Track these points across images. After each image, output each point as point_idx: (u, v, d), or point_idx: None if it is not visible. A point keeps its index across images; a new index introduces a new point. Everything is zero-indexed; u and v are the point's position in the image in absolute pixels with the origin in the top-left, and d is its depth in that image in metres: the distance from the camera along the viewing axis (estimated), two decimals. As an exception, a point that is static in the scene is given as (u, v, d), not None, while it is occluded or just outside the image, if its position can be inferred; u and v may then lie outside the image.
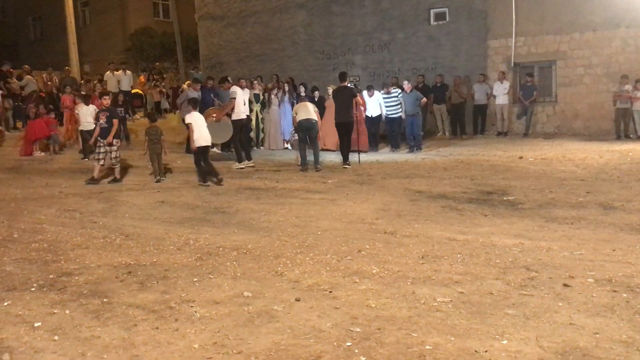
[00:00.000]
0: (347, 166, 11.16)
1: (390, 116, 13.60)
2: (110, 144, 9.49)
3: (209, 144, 9.74)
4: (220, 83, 11.80)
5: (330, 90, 13.42)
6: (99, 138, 9.59)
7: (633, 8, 13.95)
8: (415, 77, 15.43)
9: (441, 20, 16.32)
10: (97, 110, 10.58)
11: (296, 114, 11.07)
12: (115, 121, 9.55)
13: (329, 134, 13.14)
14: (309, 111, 10.95)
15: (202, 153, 9.44)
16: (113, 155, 9.63)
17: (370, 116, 13.71)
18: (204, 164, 9.47)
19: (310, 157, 10.99)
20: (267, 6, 18.50)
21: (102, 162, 9.60)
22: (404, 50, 16.77)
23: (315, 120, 10.94)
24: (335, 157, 12.32)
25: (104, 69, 19.18)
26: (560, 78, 15.15)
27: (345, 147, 11.50)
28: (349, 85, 12.17)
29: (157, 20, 29.51)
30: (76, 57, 20.99)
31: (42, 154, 12.67)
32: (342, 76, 11.65)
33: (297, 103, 14.25)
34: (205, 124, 9.64)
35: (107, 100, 9.96)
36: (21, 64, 17.31)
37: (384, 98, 13.59)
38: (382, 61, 17.05)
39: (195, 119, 9.45)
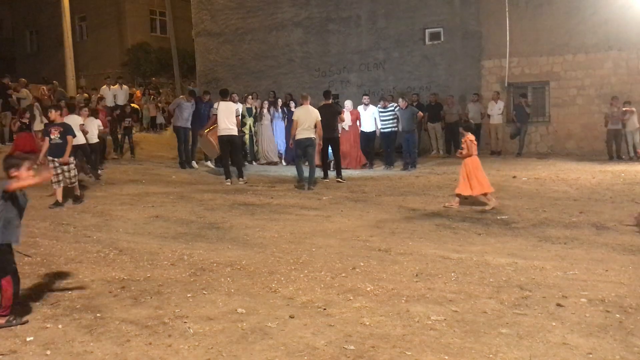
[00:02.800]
0: (327, 180, 11.39)
1: (385, 131, 13.66)
2: (66, 163, 8.61)
3: (84, 142, 10.82)
4: (221, 95, 11.72)
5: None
6: (49, 157, 8.67)
7: (625, 31, 14.17)
8: (410, 95, 15.55)
9: (436, 40, 16.52)
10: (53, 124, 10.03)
11: (298, 121, 10.66)
12: (70, 138, 8.63)
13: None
14: (310, 125, 10.62)
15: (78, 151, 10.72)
16: (71, 174, 8.74)
17: (364, 132, 13.77)
18: (79, 161, 10.68)
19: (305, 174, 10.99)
20: (264, 24, 18.67)
21: (61, 184, 8.68)
22: (398, 69, 16.93)
23: (314, 138, 10.76)
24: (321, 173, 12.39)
25: (100, 83, 19.21)
26: (554, 99, 15.32)
27: (336, 163, 11.74)
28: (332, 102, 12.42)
29: (154, 36, 29.66)
30: (72, 71, 21.01)
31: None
32: (327, 94, 12.01)
33: (287, 119, 14.29)
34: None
35: (54, 114, 8.85)
36: (18, 78, 17.30)
37: (380, 112, 13.67)
38: (377, 79, 17.19)
39: (72, 120, 10.23)
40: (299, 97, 15.99)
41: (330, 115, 11.53)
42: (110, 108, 15.35)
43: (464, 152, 8.63)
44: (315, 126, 10.72)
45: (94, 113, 12.95)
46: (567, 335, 3.86)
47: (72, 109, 12.36)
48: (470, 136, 8.69)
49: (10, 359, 3.62)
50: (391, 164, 13.78)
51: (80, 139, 10.34)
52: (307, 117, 10.65)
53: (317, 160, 13.26)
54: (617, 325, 4.02)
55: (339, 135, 11.90)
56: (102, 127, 12.67)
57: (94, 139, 12.47)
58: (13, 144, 12.98)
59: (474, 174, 8.47)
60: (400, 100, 13.71)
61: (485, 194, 8.51)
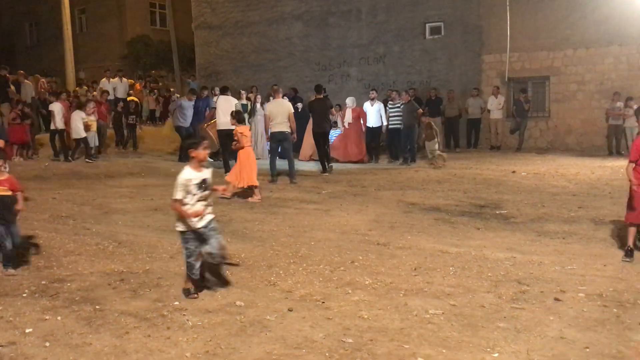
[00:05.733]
0: (326, 174, 11.42)
1: (393, 126, 13.52)
2: None
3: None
4: (221, 92, 11.79)
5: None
6: None
7: (626, 26, 14.14)
8: (408, 90, 15.47)
9: (436, 34, 16.47)
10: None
11: (270, 115, 10.54)
12: (1, 142, 7.08)
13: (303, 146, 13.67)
14: (283, 118, 10.37)
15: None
16: None
17: (370, 127, 13.71)
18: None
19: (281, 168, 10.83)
20: (264, 17, 18.60)
21: None
22: (399, 63, 16.88)
23: (288, 132, 10.48)
24: (313, 167, 12.44)
25: (99, 76, 19.18)
26: (554, 94, 15.30)
27: (323, 155, 11.74)
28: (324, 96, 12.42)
29: (154, 29, 29.56)
30: (72, 64, 20.96)
31: (21, 159, 12.70)
32: (318, 88, 12.04)
33: None
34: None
35: None
36: (17, 70, 17.26)
37: (390, 108, 13.55)
38: (377, 74, 17.15)
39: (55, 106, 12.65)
40: (300, 91, 16.12)
41: (321, 109, 11.61)
42: (111, 101, 15.35)
43: (237, 144, 8.80)
44: (289, 119, 10.44)
45: (79, 106, 12.96)
46: (565, 329, 3.88)
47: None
48: (239, 128, 8.80)
49: (9, 350, 3.63)
50: (396, 158, 13.69)
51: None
52: (279, 111, 10.44)
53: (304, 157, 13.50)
54: (614, 320, 4.04)
55: (329, 130, 12.11)
56: (85, 119, 12.61)
57: (80, 133, 12.41)
58: (6, 135, 12.98)
59: (243, 166, 8.67)
60: (403, 93, 13.67)
61: (251, 187, 8.73)
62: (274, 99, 10.93)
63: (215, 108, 11.58)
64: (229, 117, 11.13)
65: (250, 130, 14.62)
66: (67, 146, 12.86)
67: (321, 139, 11.79)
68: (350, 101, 13.88)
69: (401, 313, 4.19)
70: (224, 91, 11.69)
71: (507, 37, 15.26)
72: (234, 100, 11.74)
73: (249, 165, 8.68)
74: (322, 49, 17.84)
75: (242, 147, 8.72)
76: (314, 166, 12.44)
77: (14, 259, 5.28)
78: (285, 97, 14.54)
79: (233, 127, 11.30)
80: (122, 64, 25.73)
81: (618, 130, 13.82)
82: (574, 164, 12.26)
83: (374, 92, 13.95)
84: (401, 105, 13.34)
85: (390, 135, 13.79)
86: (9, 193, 5.24)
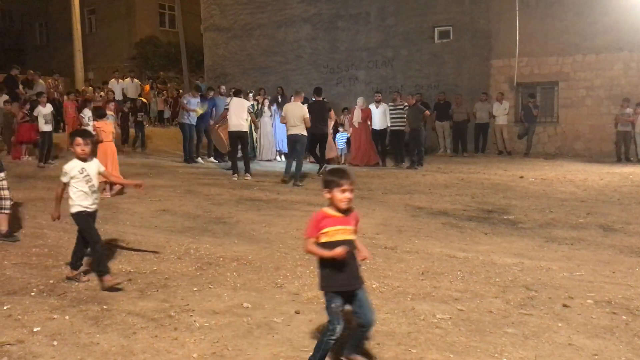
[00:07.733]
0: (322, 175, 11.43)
1: (394, 129, 13.56)
2: None
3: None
4: (234, 94, 11.89)
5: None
6: None
7: (636, 32, 14.09)
8: (414, 94, 15.45)
9: (445, 38, 16.47)
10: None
11: (285, 116, 10.84)
12: None
13: None
14: (296, 121, 10.65)
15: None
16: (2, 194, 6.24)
17: (375, 129, 13.72)
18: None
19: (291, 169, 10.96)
20: (273, 19, 18.66)
21: None
22: (407, 67, 16.88)
23: (301, 134, 10.72)
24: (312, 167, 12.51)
25: (108, 77, 19.28)
26: (562, 99, 15.26)
27: (321, 157, 11.89)
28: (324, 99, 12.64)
29: (163, 30, 29.70)
30: (81, 64, 21.10)
31: (30, 158, 12.75)
32: (317, 91, 12.18)
33: None
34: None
35: None
36: (27, 69, 17.37)
37: (391, 110, 13.60)
38: (385, 77, 17.16)
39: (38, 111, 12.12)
40: (308, 94, 16.12)
41: (319, 111, 11.73)
42: (120, 102, 15.43)
43: (97, 138, 8.80)
44: (304, 122, 10.68)
45: (85, 104, 12.98)
46: (573, 336, 3.85)
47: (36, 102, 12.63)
48: (98, 123, 8.97)
49: (17, 348, 3.64)
50: (401, 161, 13.70)
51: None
52: (292, 114, 10.73)
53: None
54: (623, 327, 4.01)
55: (327, 132, 12.20)
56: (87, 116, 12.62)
57: (42, 127, 12.42)
58: (16, 133, 13.06)
59: (102, 162, 8.69)
60: (409, 96, 13.69)
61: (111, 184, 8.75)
62: (294, 100, 11.21)
63: (227, 109, 11.64)
64: (240, 119, 11.26)
65: (256, 131, 14.76)
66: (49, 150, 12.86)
67: (319, 141, 11.89)
68: (360, 101, 13.93)
69: (408, 317, 4.17)
70: (237, 94, 11.80)
71: (516, 42, 15.24)
72: (247, 103, 11.83)
73: (107, 162, 8.70)
74: (331, 52, 17.87)
75: (101, 142, 8.88)
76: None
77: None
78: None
79: (244, 130, 11.45)
80: (130, 64, 25.86)
81: (627, 137, 13.76)
82: (582, 170, 12.21)
83: (379, 94, 13.99)
84: (404, 107, 13.39)
85: (391, 137, 13.83)
86: (353, 237, 3.50)
